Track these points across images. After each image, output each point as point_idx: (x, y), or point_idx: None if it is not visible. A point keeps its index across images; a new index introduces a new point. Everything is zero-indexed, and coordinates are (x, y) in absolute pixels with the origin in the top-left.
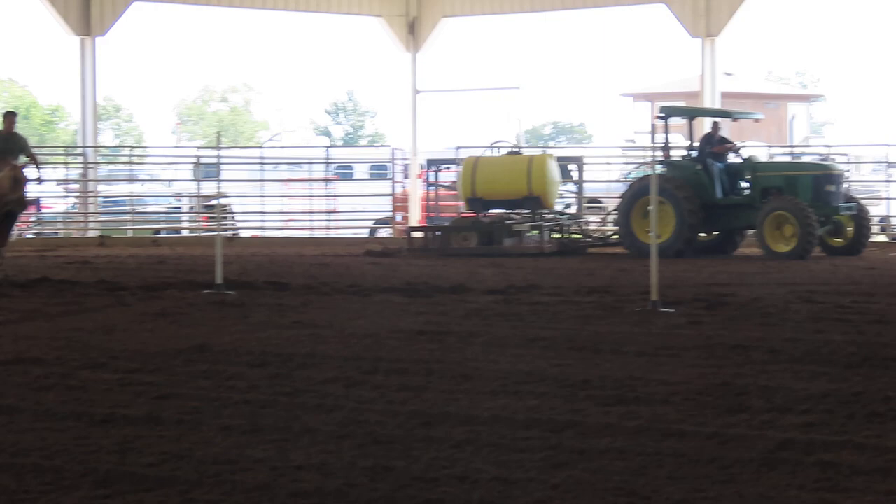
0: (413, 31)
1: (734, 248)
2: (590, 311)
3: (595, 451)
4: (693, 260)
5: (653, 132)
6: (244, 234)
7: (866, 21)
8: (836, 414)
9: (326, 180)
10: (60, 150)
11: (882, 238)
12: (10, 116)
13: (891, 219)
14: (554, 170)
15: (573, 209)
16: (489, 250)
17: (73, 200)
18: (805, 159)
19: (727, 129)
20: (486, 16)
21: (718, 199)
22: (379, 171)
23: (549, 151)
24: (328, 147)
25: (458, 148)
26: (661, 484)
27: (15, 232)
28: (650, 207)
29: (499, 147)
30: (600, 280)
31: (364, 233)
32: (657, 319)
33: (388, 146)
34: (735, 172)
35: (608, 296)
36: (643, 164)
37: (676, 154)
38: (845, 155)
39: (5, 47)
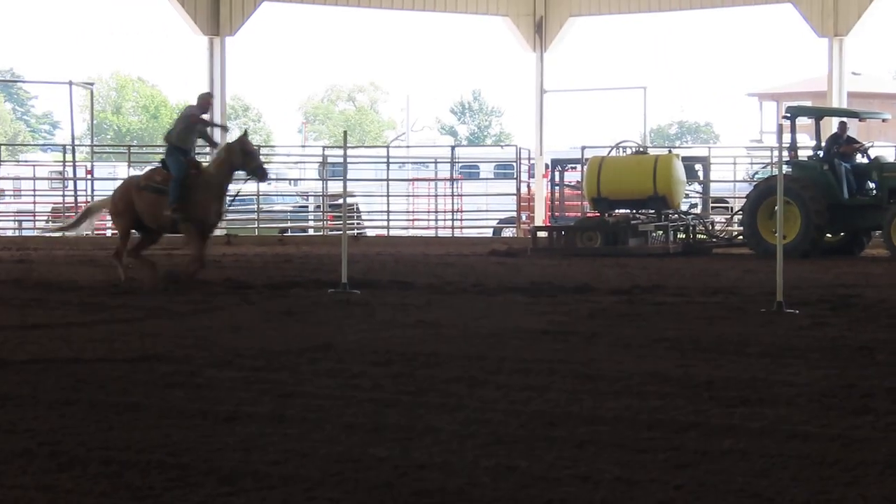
0: (539, 31)
1: (861, 249)
2: (714, 311)
3: (718, 453)
4: (819, 261)
5: (779, 132)
6: (369, 233)
7: None
8: None
9: (451, 180)
10: None
11: None
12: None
13: None
14: (679, 170)
15: (699, 209)
16: (614, 250)
17: None
18: None
19: (854, 129)
20: (612, 15)
21: (845, 199)
22: (504, 170)
23: (674, 151)
24: (453, 146)
25: (584, 148)
26: (785, 485)
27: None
28: (776, 208)
29: (624, 147)
30: (725, 281)
31: (488, 232)
32: (782, 320)
33: (514, 146)
34: (862, 173)
35: (733, 297)
36: (769, 164)
37: (803, 154)
38: None
39: (136, 47)
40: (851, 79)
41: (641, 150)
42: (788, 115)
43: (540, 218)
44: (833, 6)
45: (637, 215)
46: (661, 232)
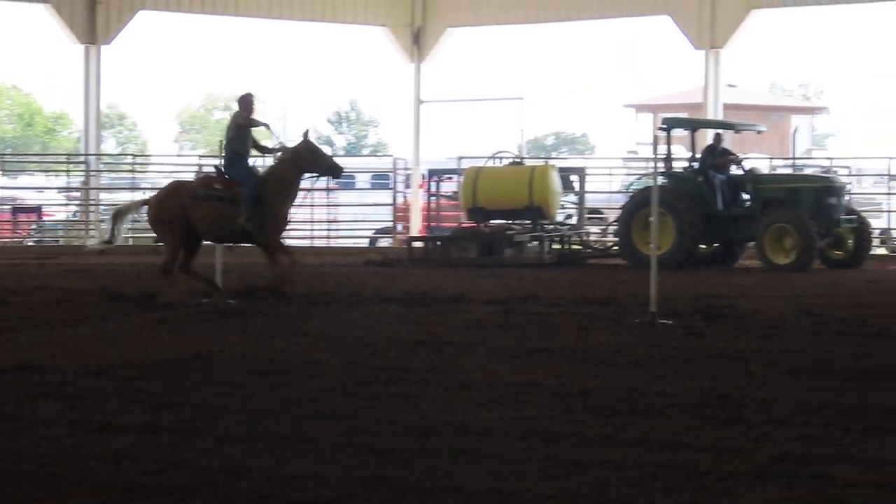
0: (417, 42)
1: (734, 260)
2: (588, 322)
3: (592, 463)
4: (693, 272)
5: (655, 143)
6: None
7: (870, 34)
8: (834, 427)
9: (327, 189)
10: (63, 158)
11: (882, 251)
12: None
13: (891, 231)
14: (555, 181)
15: (574, 220)
16: (489, 261)
17: (75, 208)
18: (807, 172)
19: (730, 141)
20: (490, 26)
21: (719, 210)
22: (380, 180)
23: (551, 162)
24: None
25: (460, 158)
26: (658, 496)
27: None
28: (651, 219)
29: (501, 157)
30: (600, 291)
31: (364, 242)
32: (656, 331)
33: (390, 156)
34: (737, 184)
35: (607, 307)
36: (645, 175)
37: (678, 166)
38: (847, 167)
39: (10, 55)
40: (727, 91)
41: (518, 160)
42: (664, 126)
43: (416, 228)
44: (710, 19)
45: (513, 226)
46: (536, 242)
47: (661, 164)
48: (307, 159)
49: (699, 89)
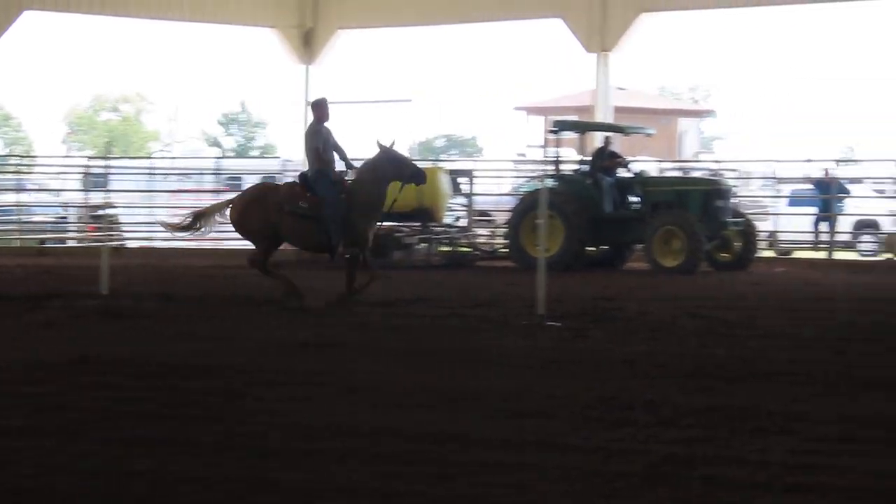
0: (308, 43)
1: (623, 262)
2: (477, 324)
3: (478, 464)
4: (581, 274)
5: (545, 146)
6: (132, 244)
7: (756, 37)
8: (720, 428)
9: (216, 191)
10: None
11: (769, 253)
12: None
13: (778, 234)
14: (444, 183)
15: (463, 222)
16: (378, 263)
17: None
18: (695, 174)
19: (619, 143)
20: (381, 28)
21: (608, 213)
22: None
23: (440, 164)
24: (219, 158)
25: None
26: (545, 498)
27: None
28: (539, 221)
29: None
30: (488, 293)
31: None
32: (544, 333)
33: (279, 157)
34: (625, 187)
35: (496, 309)
36: (534, 177)
37: (568, 168)
38: (734, 170)
39: None
40: (617, 94)
41: None
42: (554, 129)
43: None
44: (601, 22)
45: (401, 228)
46: (425, 245)
47: (550, 167)
48: (388, 170)
49: (590, 92)
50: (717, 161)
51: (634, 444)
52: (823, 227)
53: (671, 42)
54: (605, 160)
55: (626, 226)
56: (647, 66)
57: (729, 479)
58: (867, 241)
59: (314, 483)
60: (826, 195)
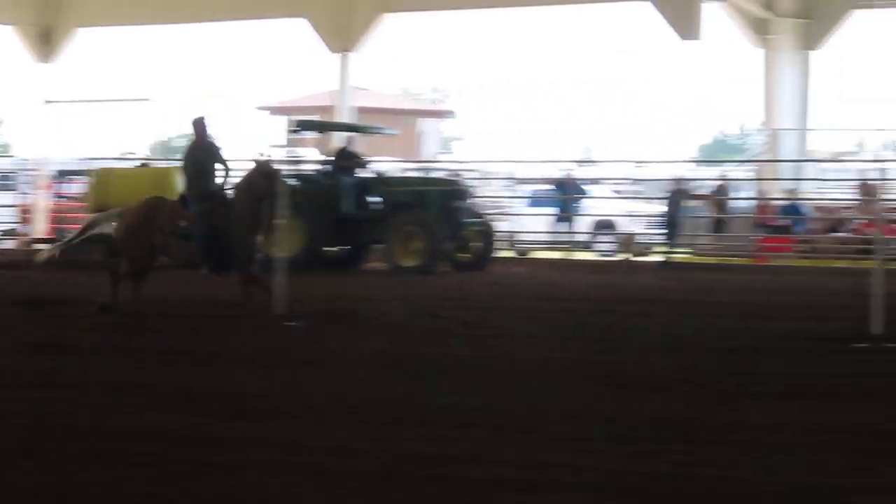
0: (47, 42)
1: (363, 262)
2: (214, 323)
3: (212, 465)
4: (322, 274)
5: (287, 146)
6: None
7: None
8: (460, 427)
9: None
10: None
11: (509, 253)
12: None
13: (517, 234)
14: (180, 183)
15: None
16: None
17: None
18: (435, 175)
19: (360, 144)
20: (122, 26)
21: (348, 213)
22: (4, 181)
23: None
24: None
25: (88, 159)
26: (281, 498)
27: None
28: (280, 221)
29: (129, 159)
30: (229, 294)
31: None
32: (282, 333)
33: (12, 156)
34: (366, 187)
35: (235, 308)
36: None
37: (309, 168)
38: (474, 171)
39: None
40: (358, 94)
41: (146, 162)
42: (296, 128)
43: (42, 230)
44: (344, 23)
45: None
46: None
47: (291, 167)
48: (262, 185)
49: (332, 92)
50: (456, 162)
51: (371, 443)
52: (562, 227)
53: (413, 43)
54: (346, 160)
55: (366, 226)
56: (388, 66)
57: (465, 477)
58: (604, 242)
59: (61, 486)
60: (565, 196)
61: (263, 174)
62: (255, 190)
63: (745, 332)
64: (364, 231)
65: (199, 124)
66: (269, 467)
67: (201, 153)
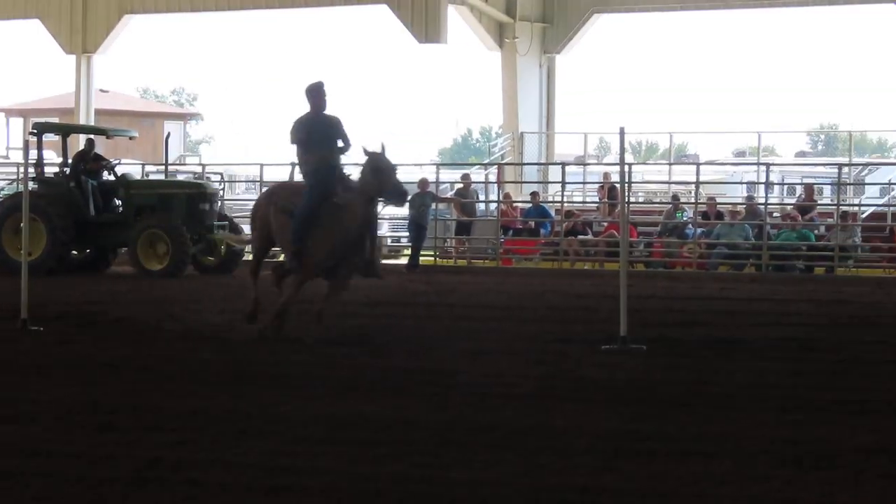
0: None
1: (107, 265)
2: None
3: None
4: (65, 278)
5: (26, 148)
6: None
7: (243, 42)
8: (207, 431)
9: None
10: None
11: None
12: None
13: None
14: None
15: None
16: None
17: None
18: (180, 178)
19: (102, 146)
20: None
21: (91, 216)
22: None
23: None
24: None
25: None
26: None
27: None
28: (22, 224)
29: None
30: None
31: None
32: (26, 338)
33: None
34: (109, 190)
35: None
36: (16, 180)
37: (50, 171)
38: (219, 174)
39: None
40: (100, 96)
41: None
42: (35, 131)
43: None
44: (81, 24)
45: None
46: None
47: (32, 170)
48: (372, 184)
49: (72, 94)
50: (202, 164)
51: (119, 449)
52: None
53: (155, 45)
54: (89, 163)
55: (110, 229)
56: (130, 68)
57: (213, 482)
58: None
59: None
60: None
61: (373, 170)
62: (365, 189)
63: (492, 335)
64: (108, 234)
65: (312, 91)
66: (8, 474)
67: (317, 124)
